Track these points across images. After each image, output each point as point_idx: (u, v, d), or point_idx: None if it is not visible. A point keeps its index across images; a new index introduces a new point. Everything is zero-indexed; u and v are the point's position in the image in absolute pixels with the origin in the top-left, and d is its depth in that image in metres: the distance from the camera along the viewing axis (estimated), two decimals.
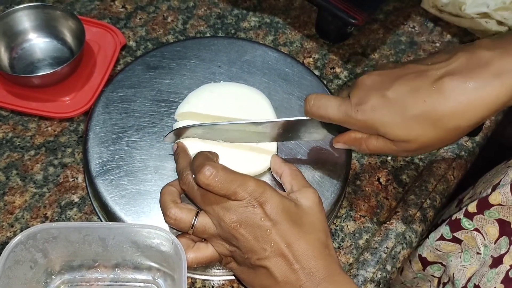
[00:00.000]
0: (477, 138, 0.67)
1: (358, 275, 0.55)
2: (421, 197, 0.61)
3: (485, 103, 0.42)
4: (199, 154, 0.49)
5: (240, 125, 0.53)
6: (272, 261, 0.44)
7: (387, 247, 0.57)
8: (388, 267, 0.56)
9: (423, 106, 0.44)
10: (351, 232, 0.58)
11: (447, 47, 0.75)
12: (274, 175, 0.54)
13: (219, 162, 0.52)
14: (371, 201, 0.60)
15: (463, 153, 0.65)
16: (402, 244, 0.58)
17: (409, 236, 0.58)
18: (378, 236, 0.58)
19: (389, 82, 0.46)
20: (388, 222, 0.59)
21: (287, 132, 0.54)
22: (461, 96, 0.43)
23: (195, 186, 0.47)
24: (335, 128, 0.51)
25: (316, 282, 0.43)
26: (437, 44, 0.75)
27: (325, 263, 0.44)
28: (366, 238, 0.58)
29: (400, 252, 0.57)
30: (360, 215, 0.59)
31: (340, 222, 0.58)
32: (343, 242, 0.57)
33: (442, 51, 0.48)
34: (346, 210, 0.59)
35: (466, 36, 0.76)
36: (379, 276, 0.55)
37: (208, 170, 0.44)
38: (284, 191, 0.51)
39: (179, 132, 0.54)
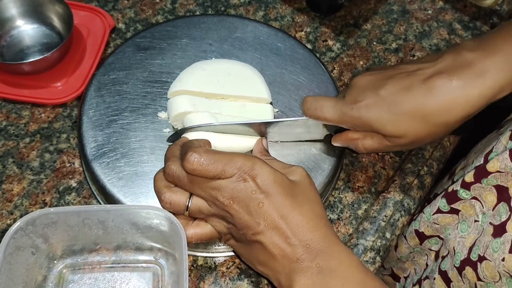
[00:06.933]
0: None
1: (358, 244, 0.55)
2: (418, 164, 0.61)
3: (468, 101, 0.46)
4: (186, 143, 0.50)
5: (243, 125, 0.53)
6: (267, 235, 0.43)
7: (385, 216, 0.57)
8: (388, 235, 0.56)
9: (414, 103, 0.47)
10: (350, 203, 0.58)
11: (439, 14, 0.74)
12: None
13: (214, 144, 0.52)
14: (369, 171, 0.60)
15: None
16: (401, 211, 0.58)
17: (407, 204, 0.58)
18: (376, 205, 0.58)
19: (381, 81, 0.49)
20: (386, 191, 0.59)
21: (289, 130, 0.54)
22: (447, 94, 0.46)
23: (181, 175, 0.46)
24: (334, 128, 0.54)
25: (313, 254, 0.43)
26: (429, 12, 0.75)
27: (321, 234, 0.44)
28: (365, 208, 0.58)
29: (398, 219, 0.57)
30: (358, 186, 0.59)
31: (339, 194, 0.59)
32: (342, 213, 0.57)
33: (431, 54, 0.52)
34: (344, 182, 0.59)
35: (458, 3, 0.76)
36: (379, 244, 0.56)
37: (191, 156, 0.44)
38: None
39: (182, 133, 0.53)
